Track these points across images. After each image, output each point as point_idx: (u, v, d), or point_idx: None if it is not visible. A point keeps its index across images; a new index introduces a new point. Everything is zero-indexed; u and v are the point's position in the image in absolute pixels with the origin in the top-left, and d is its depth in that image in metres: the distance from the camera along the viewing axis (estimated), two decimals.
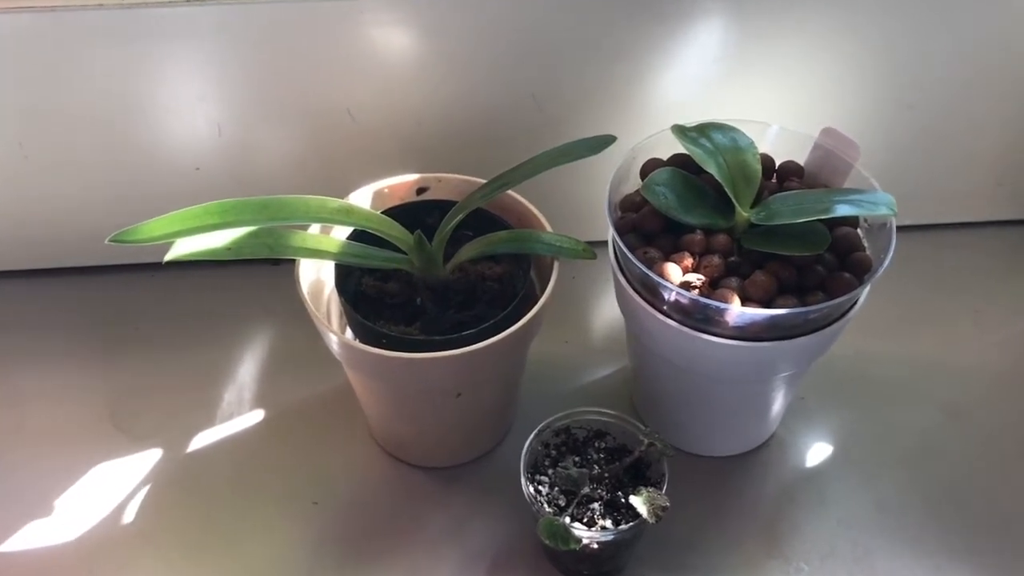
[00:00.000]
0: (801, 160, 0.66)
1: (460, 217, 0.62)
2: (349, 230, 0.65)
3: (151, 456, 0.70)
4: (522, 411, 0.73)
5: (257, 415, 0.73)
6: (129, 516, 0.67)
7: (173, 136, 0.75)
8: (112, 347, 0.78)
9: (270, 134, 0.76)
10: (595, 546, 0.59)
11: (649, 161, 0.65)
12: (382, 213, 0.64)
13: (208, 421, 0.73)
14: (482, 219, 0.66)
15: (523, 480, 0.60)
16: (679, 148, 0.63)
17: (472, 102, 0.75)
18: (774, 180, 0.65)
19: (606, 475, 0.61)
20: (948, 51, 0.75)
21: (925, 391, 0.75)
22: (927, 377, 0.76)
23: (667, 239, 0.61)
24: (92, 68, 0.70)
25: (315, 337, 0.62)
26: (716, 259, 0.58)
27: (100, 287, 0.83)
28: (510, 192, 0.66)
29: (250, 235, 0.57)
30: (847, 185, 0.64)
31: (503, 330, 0.59)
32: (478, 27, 0.71)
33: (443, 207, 0.65)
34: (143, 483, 0.69)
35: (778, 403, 0.68)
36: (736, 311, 0.55)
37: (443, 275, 0.64)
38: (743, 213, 0.60)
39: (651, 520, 0.56)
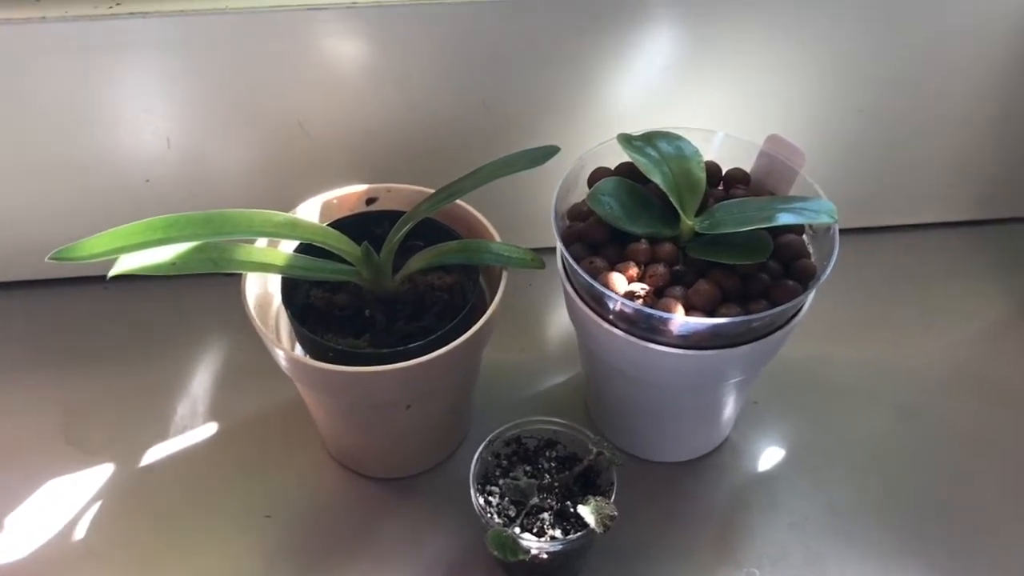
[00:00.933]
0: (747, 167, 0.66)
1: (407, 228, 0.62)
2: (296, 242, 0.64)
3: (103, 471, 0.70)
4: (478, 420, 0.73)
5: (210, 428, 0.73)
6: (81, 532, 0.66)
7: (122, 148, 0.74)
8: (62, 360, 0.77)
9: (221, 146, 0.75)
10: (544, 556, 0.59)
11: (597, 170, 0.66)
12: (330, 224, 0.64)
13: (161, 435, 0.72)
14: (432, 229, 0.66)
15: (472, 491, 0.60)
16: (626, 157, 0.63)
17: (424, 111, 0.75)
18: (720, 188, 0.66)
19: (556, 484, 0.61)
20: (897, 55, 0.76)
21: (877, 393, 0.76)
22: (878, 380, 0.77)
23: (613, 248, 0.61)
24: (38, 81, 0.69)
25: (267, 348, 0.62)
26: (661, 268, 0.59)
27: (48, 300, 0.82)
28: (459, 202, 0.66)
29: (195, 250, 0.57)
30: (793, 191, 0.64)
31: (452, 341, 0.59)
32: (429, 37, 0.71)
33: (392, 218, 0.65)
34: (95, 499, 0.68)
35: (729, 408, 0.68)
36: (679, 320, 0.56)
37: (392, 286, 0.64)
38: (688, 222, 0.60)
39: (599, 529, 0.57)
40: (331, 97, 0.73)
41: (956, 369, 0.78)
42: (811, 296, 0.59)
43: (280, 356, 0.60)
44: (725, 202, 0.61)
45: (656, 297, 0.58)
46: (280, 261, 0.61)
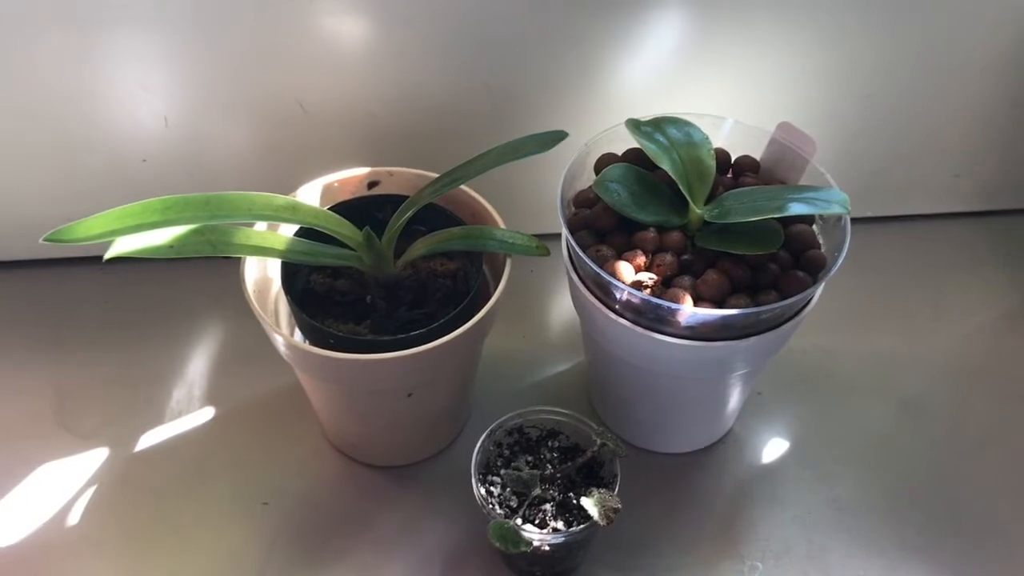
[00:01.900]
0: (757, 154, 0.65)
1: (410, 213, 0.61)
2: (296, 226, 0.63)
3: (97, 455, 0.69)
4: (478, 408, 0.72)
5: (207, 413, 0.72)
6: (74, 518, 0.65)
7: (118, 127, 0.73)
8: (57, 343, 0.76)
9: (219, 126, 0.74)
10: (546, 548, 0.58)
11: (603, 156, 0.64)
12: (331, 208, 0.63)
13: (156, 419, 0.71)
14: (434, 214, 0.65)
15: (474, 481, 0.59)
16: (635, 143, 0.62)
17: (426, 93, 0.74)
18: (729, 175, 0.64)
19: (558, 476, 0.60)
20: (906, 42, 0.75)
21: (883, 386, 0.75)
22: (885, 372, 0.76)
23: (620, 236, 0.60)
24: (34, 57, 0.68)
25: (266, 334, 0.61)
26: (669, 257, 0.58)
27: (43, 281, 0.81)
28: (463, 187, 0.65)
29: (193, 232, 0.55)
30: (803, 180, 0.63)
31: (454, 329, 0.58)
32: (433, 16, 0.69)
33: (394, 202, 0.64)
34: (89, 483, 0.67)
35: (734, 400, 0.67)
36: (688, 311, 0.55)
37: (394, 272, 0.63)
38: (697, 210, 0.59)
39: (602, 522, 0.56)
40: (331, 77, 0.72)
41: (963, 362, 0.77)
42: (821, 287, 0.58)
43: (279, 342, 0.59)
44: (735, 190, 0.60)
45: (664, 287, 0.57)
46: (280, 245, 0.59)
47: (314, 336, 0.61)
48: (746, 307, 0.55)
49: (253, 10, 0.67)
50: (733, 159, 0.65)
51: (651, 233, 0.59)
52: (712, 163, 0.60)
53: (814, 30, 0.73)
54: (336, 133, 0.75)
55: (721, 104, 0.71)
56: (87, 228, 0.52)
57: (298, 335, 0.65)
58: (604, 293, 0.59)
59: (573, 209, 0.64)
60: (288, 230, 0.64)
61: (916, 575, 0.63)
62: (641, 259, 0.58)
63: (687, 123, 0.63)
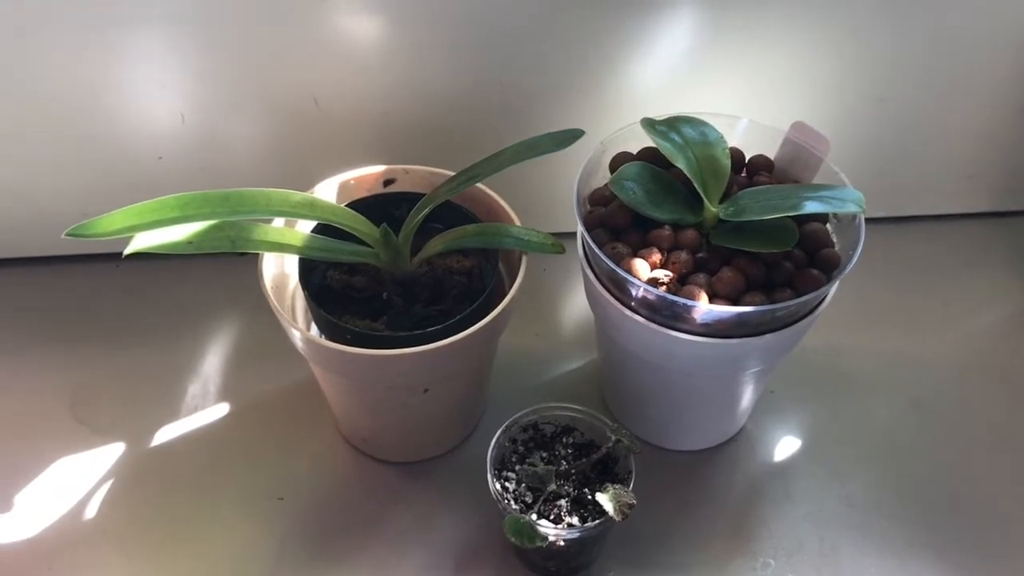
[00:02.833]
0: (771, 154, 0.65)
1: (427, 210, 0.61)
2: (314, 223, 0.64)
3: (113, 450, 0.69)
4: (492, 405, 0.72)
5: (222, 409, 0.72)
6: (90, 512, 0.66)
7: (135, 124, 0.73)
8: (73, 339, 0.77)
9: (235, 123, 0.75)
10: (561, 543, 0.58)
11: (619, 155, 0.65)
12: (348, 205, 0.63)
13: (172, 415, 0.72)
14: (450, 212, 0.66)
15: (489, 477, 0.60)
16: (649, 141, 0.62)
17: (441, 91, 0.74)
18: (744, 174, 0.65)
19: (573, 471, 0.60)
20: (920, 44, 0.75)
21: (894, 385, 0.75)
22: (897, 371, 0.76)
23: (635, 234, 0.60)
24: (52, 54, 0.68)
25: (281, 329, 0.61)
26: (684, 255, 0.58)
27: (61, 277, 0.81)
28: (479, 184, 0.65)
29: (212, 228, 0.56)
30: (816, 179, 0.63)
31: (470, 325, 0.58)
32: (447, 14, 0.70)
33: (410, 199, 0.64)
34: (105, 478, 0.68)
35: (747, 398, 0.67)
36: (703, 308, 0.55)
37: (410, 269, 0.63)
38: (712, 208, 0.59)
39: (617, 518, 0.56)
40: (346, 74, 0.72)
41: (975, 361, 0.77)
42: (835, 286, 0.59)
43: (296, 337, 0.59)
44: (749, 189, 0.61)
45: (679, 284, 0.57)
46: (298, 241, 0.60)
47: (331, 332, 0.61)
48: (761, 304, 0.55)
49: (268, 7, 0.68)
50: (747, 158, 0.65)
51: (666, 231, 0.59)
52: (727, 162, 0.61)
53: (828, 32, 0.73)
54: (351, 130, 0.76)
55: (735, 104, 0.71)
56: (108, 224, 0.52)
57: (314, 331, 0.65)
58: (619, 290, 0.59)
59: (588, 207, 0.64)
60: (305, 227, 0.64)
61: (928, 573, 0.63)
62: (656, 256, 0.58)
63: (702, 122, 0.63)
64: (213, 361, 0.75)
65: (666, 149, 0.60)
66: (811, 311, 0.59)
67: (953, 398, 0.74)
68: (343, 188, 0.67)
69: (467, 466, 0.68)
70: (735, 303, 0.56)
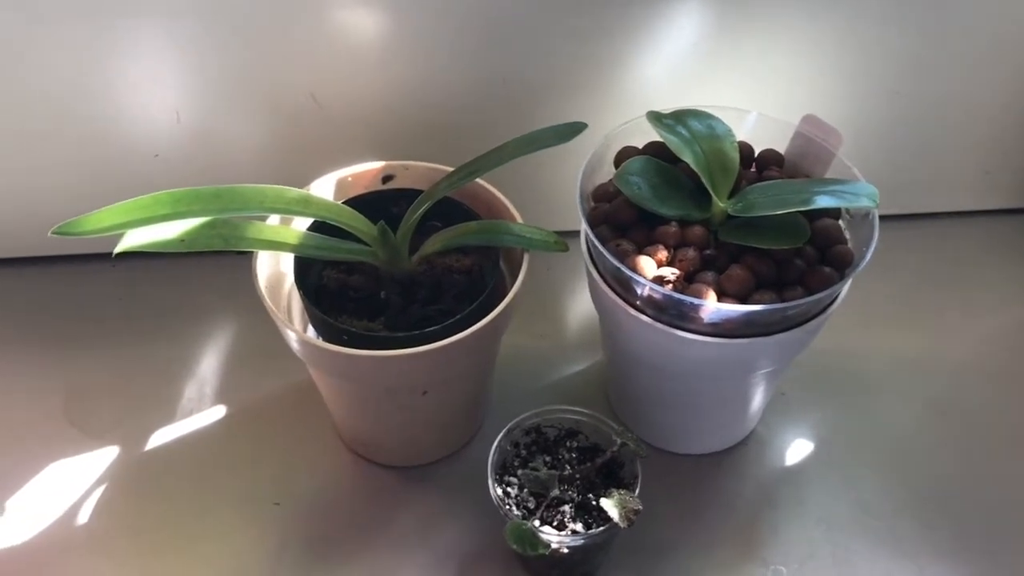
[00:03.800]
0: (781, 148, 0.64)
1: (426, 207, 0.60)
2: (310, 220, 0.62)
3: (107, 454, 0.68)
4: (494, 407, 0.71)
5: (218, 411, 0.71)
6: (84, 517, 0.65)
7: (130, 122, 0.72)
8: (67, 340, 0.76)
9: (231, 120, 0.73)
10: (565, 550, 0.57)
11: (624, 149, 0.63)
12: (345, 202, 0.62)
13: (167, 418, 0.70)
14: (450, 208, 0.64)
15: (491, 482, 0.58)
16: (655, 136, 0.61)
17: (441, 86, 0.73)
18: (753, 169, 0.63)
19: (577, 476, 0.59)
20: (936, 37, 0.73)
21: (909, 386, 0.73)
22: (911, 372, 0.74)
23: (641, 231, 0.58)
24: (46, 50, 0.67)
25: (278, 330, 0.60)
26: (691, 252, 0.56)
27: (53, 278, 0.80)
28: (479, 180, 0.63)
29: (204, 226, 0.55)
30: (828, 174, 0.61)
31: (471, 325, 0.57)
32: (448, 7, 0.68)
33: (409, 196, 0.63)
34: (99, 482, 0.66)
35: (757, 400, 0.66)
36: (711, 307, 0.53)
37: (409, 267, 0.62)
38: (720, 204, 0.57)
39: (623, 524, 0.54)
40: (345, 70, 0.71)
41: (991, 361, 0.75)
42: (848, 284, 0.57)
43: (292, 338, 0.58)
44: (759, 184, 0.59)
45: (686, 282, 0.56)
46: (293, 239, 0.58)
47: (327, 332, 0.59)
48: (771, 303, 0.54)
49: (265, 3, 0.66)
50: (757, 153, 0.64)
51: (673, 227, 0.57)
52: (735, 156, 0.59)
53: (840, 22, 0.72)
54: (349, 126, 0.74)
55: (744, 97, 0.69)
56: (96, 221, 0.51)
57: (311, 331, 0.63)
58: (624, 289, 0.57)
59: (592, 203, 0.62)
60: (301, 224, 0.63)
61: None
62: (663, 254, 0.56)
63: (709, 116, 0.61)
64: (209, 363, 0.74)
65: (673, 143, 0.59)
66: (823, 310, 0.57)
67: (969, 399, 0.72)
68: (340, 185, 0.66)
69: (469, 470, 0.67)
70: (744, 302, 0.54)
